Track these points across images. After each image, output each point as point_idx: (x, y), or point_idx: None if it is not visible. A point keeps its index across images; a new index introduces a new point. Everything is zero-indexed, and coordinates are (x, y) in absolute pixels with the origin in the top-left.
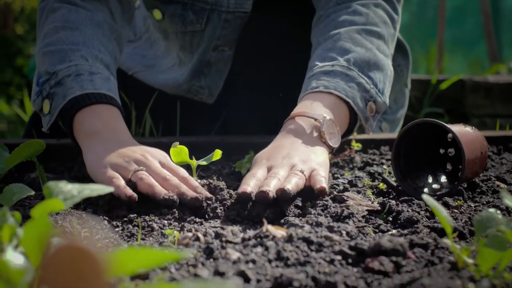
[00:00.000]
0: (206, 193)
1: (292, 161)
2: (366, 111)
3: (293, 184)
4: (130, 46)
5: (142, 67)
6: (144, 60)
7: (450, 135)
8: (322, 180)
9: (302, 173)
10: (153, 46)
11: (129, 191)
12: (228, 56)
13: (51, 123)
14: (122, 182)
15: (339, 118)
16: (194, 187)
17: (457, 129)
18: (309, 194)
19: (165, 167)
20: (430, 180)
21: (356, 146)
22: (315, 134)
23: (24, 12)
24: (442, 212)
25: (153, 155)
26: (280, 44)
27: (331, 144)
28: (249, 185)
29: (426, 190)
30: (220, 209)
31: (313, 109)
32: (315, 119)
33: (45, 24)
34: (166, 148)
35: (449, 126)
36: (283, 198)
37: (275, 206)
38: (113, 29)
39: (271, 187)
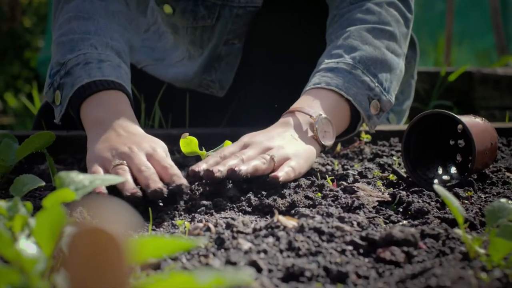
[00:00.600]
0: (183, 181)
1: (270, 144)
2: (370, 109)
3: (251, 166)
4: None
5: (151, 60)
6: (153, 54)
7: (460, 126)
8: (284, 169)
9: (272, 159)
10: (161, 38)
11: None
12: (238, 49)
13: (62, 113)
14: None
15: (338, 116)
16: (171, 175)
17: (467, 120)
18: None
19: (151, 159)
20: (440, 171)
21: (366, 137)
22: (308, 130)
23: (31, 5)
24: (453, 202)
25: (141, 147)
26: (290, 37)
27: (323, 143)
28: (207, 162)
29: (436, 181)
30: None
31: (311, 105)
32: (310, 116)
33: (60, 15)
34: (175, 140)
35: (459, 117)
36: (232, 178)
37: (285, 197)
38: (129, 18)
39: (225, 166)
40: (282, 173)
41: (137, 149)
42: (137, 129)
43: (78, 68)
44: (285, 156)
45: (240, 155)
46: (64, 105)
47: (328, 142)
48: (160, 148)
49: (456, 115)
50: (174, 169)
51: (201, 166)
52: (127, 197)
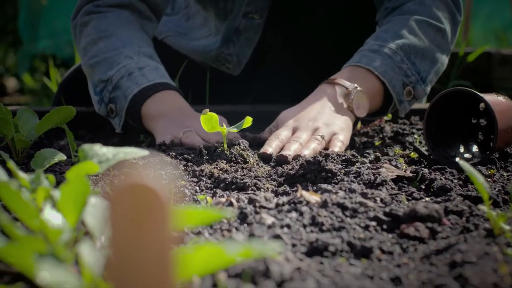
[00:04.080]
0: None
1: (316, 124)
2: (403, 95)
3: (311, 150)
4: (164, 17)
5: (174, 32)
6: (178, 28)
7: (482, 104)
8: (337, 145)
9: (323, 138)
10: (189, 19)
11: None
12: (258, 25)
13: (122, 123)
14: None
15: (371, 94)
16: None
17: (490, 98)
18: None
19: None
20: (461, 149)
21: (386, 116)
22: (344, 102)
23: None
24: (479, 178)
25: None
26: (312, 18)
27: (357, 114)
28: (272, 146)
29: (457, 159)
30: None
31: (348, 78)
32: (347, 88)
33: (81, 38)
34: None
35: (481, 95)
36: None
37: (307, 173)
38: (141, 21)
39: (291, 151)
40: (337, 149)
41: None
42: (193, 112)
43: (123, 80)
44: (332, 132)
45: (297, 139)
46: (122, 115)
47: (362, 114)
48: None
49: (478, 93)
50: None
51: (269, 150)
52: (200, 148)
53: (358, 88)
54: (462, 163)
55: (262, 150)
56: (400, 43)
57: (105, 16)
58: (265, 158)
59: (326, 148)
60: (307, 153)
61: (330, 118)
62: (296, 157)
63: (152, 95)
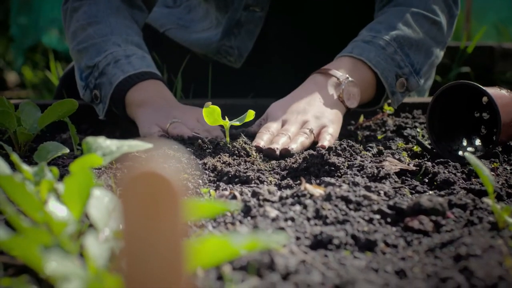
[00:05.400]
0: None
1: (305, 117)
2: (395, 86)
3: (299, 143)
4: (166, 10)
5: (175, 25)
6: (179, 21)
7: (485, 98)
8: (327, 138)
9: (311, 132)
10: (191, 12)
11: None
12: (259, 18)
13: (105, 109)
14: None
15: (363, 85)
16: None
17: (493, 91)
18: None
19: (200, 122)
20: (464, 143)
21: (389, 109)
22: (335, 92)
23: None
24: (484, 171)
25: (192, 113)
26: (314, 10)
27: (347, 105)
28: (263, 139)
29: (460, 152)
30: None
31: (339, 69)
32: (338, 79)
33: (71, 24)
34: None
35: (484, 88)
36: (286, 156)
37: (310, 166)
38: (131, 10)
39: (279, 145)
40: (326, 142)
41: (189, 114)
42: (179, 103)
43: (110, 67)
44: (321, 125)
45: (286, 133)
46: (106, 102)
47: (353, 105)
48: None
49: (481, 86)
50: (217, 132)
51: (261, 143)
52: (189, 138)
53: (350, 78)
54: (468, 155)
55: (254, 144)
56: (394, 34)
57: (96, 2)
58: (258, 151)
59: (315, 142)
60: (295, 147)
61: (319, 110)
62: (284, 151)
63: (137, 83)
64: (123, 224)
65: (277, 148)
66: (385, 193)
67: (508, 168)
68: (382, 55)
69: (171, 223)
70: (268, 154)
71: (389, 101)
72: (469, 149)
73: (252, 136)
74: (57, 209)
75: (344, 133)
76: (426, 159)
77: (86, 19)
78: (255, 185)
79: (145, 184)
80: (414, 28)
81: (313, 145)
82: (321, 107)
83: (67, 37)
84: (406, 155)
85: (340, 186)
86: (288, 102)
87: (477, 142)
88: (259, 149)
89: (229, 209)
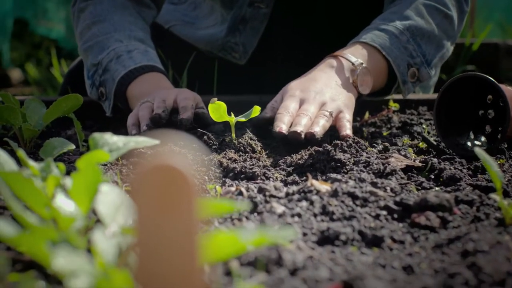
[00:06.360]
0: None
1: (323, 98)
2: (407, 75)
3: (321, 126)
4: (171, 6)
5: (180, 21)
6: (184, 17)
7: (489, 96)
8: (347, 126)
9: (330, 114)
10: (196, 9)
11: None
12: (264, 14)
13: (111, 106)
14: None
15: (376, 72)
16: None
17: (501, 85)
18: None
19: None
20: (471, 137)
21: (394, 106)
22: (349, 77)
23: None
24: (493, 166)
25: (170, 93)
26: (320, 6)
27: (360, 91)
28: (284, 122)
29: (469, 144)
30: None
31: (354, 54)
32: (352, 63)
33: (78, 24)
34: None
35: (493, 80)
36: (311, 140)
37: (316, 163)
38: (138, 7)
39: (303, 127)
40: (349, 131)
41: (165, 93)
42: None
43: (112, 63)
44: (338, 108)
45: (306, 113)
46: (111, 98)
47: (365, 91)
48: (189, 99)
49: (490, 78)
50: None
51: (283, 127)
52: (151, 119)
53: (364, 64)
54: (478, 150)
55: (276, 129)
56: (407, 24)
57: (101, 1)
58: (281, 138)
59: (334, 125)
60: (318, 130)
61: (336, 92)
62: (309, 134)
63: (138, 76)
64: (135, 216)
65: (302, 132)
66: (391, 189)
67: None
68: (396, 43)
69: (185, 216)
70: (292, 137)
71: (396, 96)
72: (476, 142)
73: (264, 123)
74: (64, 204)
75: None
76: (432, 155)
77: (91, 18)
78: (261, 181)
79: (159, 177)
80: (427, 19)
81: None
82: (338, 89)
83: (76, 38)
84: (412, 152)
85: (346, 182)
86: (305, 81)
87: (483, 139)
88: (282, 135)
89: (238, 209)
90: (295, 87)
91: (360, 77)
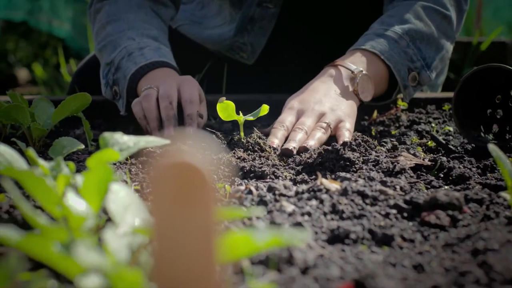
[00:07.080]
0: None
1: (322, 108)
2: (408, 80)
3: (316, 140)
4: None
5: (188, 21)
6: (192, 17)
7: (499, 96)
8: (346, 135)
9: (328, 126)
10: (204, 8)
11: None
12: (272, 14)
13: (125, 104)
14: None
15: (377, 78)
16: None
17: None
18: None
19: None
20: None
21: (402, 105)
22: (350, 85)
23: None
24: (506, 164)
25: (176, 81)
26: (328, 5)
27: (362, 98)
28: (277, 137)
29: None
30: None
31: (353, 62)
32: (352, 72)
33: (94, 25)
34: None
35: None
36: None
37: (326, 161)
38: (155, 6)
39: (296, 142)
40: (347, 139)
41: (170, 80)
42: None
43: (124, 61)
44: (338, 118)
45: (302, 127)
46: (123, 96)
47: (367, 98)
48: (195, 91)
49: None
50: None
51: (275, 142)
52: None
53: (364, 71)
54: (492, 147)
55: (268, 143)
56: (406, 27)
57: (116, 1)
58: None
59: (332, 136)
60: (312, 143)
61: (335, 102)
62: (302, 148)
63: (148, 72)
64: (152, 213)
65: (294, 148)
66: (401, 188)
67: None
68: (395, 48)
69: (203, 214)
70: (284, 153)
71: (400, 95)
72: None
73: (267, 136)
74: (76, 203)
75: (358, 128)
76: (441, 154)
77: (106, 18)
78: (271, 180)
79: (176, 174)
80: (425, 21)
81: (329, 139)
82: (338, 99)
83: (92, 38)
84: (421, 150)
85: (356, 181)
86: (304, 93)
87: (490, 136)
88: (274, 148)
89: (251, 215)
90: (294, 99)
91: (361, 84)
